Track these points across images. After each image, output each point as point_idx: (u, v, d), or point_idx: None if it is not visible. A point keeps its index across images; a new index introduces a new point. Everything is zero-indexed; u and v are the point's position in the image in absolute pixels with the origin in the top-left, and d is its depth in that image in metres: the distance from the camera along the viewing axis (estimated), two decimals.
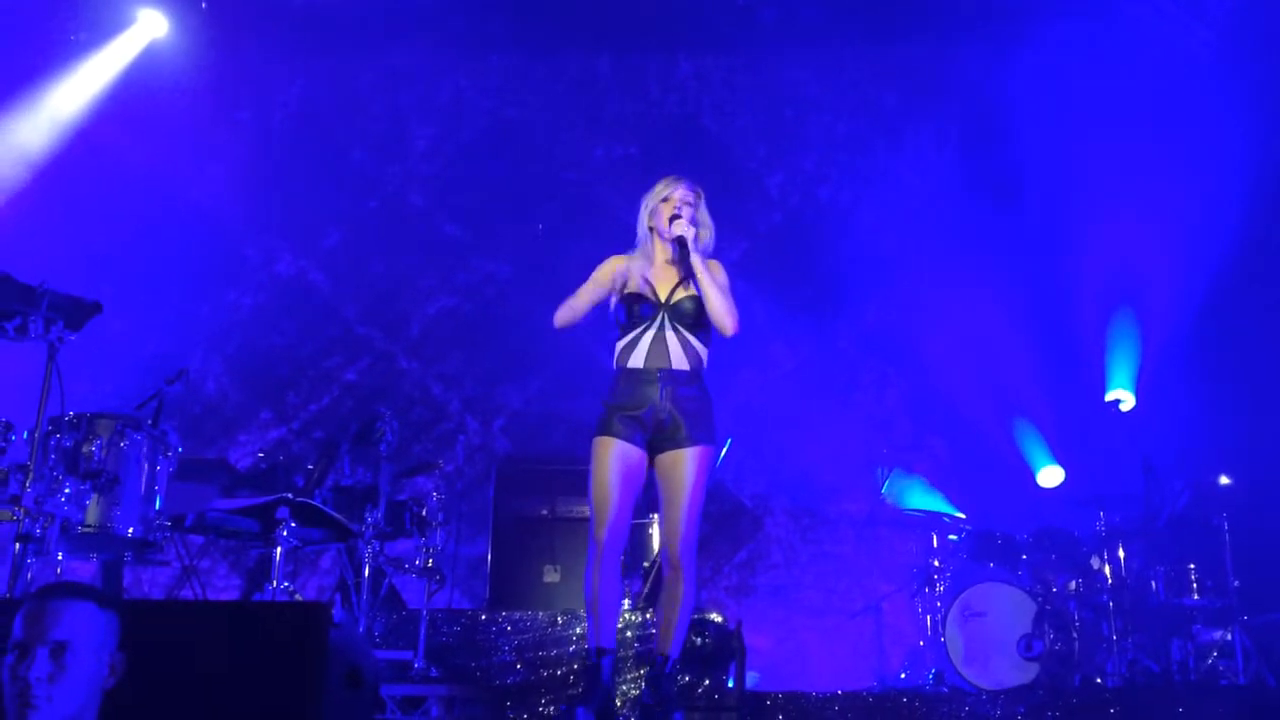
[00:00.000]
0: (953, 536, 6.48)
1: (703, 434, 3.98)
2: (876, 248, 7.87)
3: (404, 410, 7.72)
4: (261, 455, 7.31)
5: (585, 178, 8.48)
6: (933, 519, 6.63)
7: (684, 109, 8.68)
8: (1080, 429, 7.27)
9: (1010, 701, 5.14)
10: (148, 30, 7.96)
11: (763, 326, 7.87)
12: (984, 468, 7.48)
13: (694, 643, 4.97)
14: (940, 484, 7.16)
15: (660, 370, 3.98)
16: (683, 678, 5.00)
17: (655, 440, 3.98)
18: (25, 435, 4.39)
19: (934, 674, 6.03)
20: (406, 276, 8.36)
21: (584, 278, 4.29)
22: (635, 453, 3.96)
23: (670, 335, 4.03)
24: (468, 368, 8.24)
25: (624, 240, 4.41)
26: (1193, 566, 5.90)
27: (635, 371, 4.01)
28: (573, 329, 4.26)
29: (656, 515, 6.37)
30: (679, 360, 4.01)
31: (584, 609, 5.14)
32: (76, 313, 4.55)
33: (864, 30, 8.19)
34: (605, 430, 3.97)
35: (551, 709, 5.46)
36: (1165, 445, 6.54)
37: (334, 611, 3.15)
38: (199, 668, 3.02)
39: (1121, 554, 6.02)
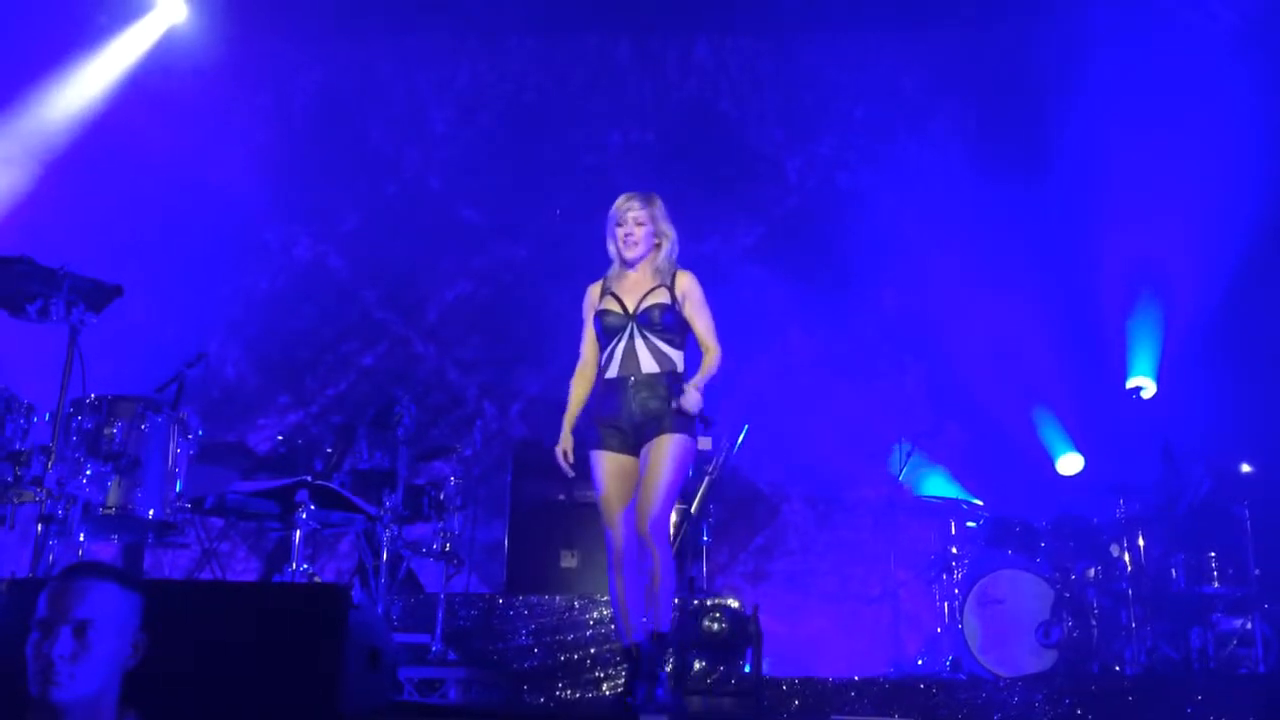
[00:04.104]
0: (971, 523, 6.46)
1: (677, 426, 4.15)
2: (895, 232, 7.82)
3: (422, 395, 7.71)
4: (280, 439, 7.33)
5: (603, 161, 8.46)
6: (951, 505, 6.60)
7: (702, 93, 8.64)
8: (1100, 416, 7.22)
9: (1028, 688, 5.14)
10: (167, 15, 7.97)
11: (779, 311, 7.85)
12: (1003, 454, 7.44)
13: (710, 628, 4.98)
14: (959, 470, 7.14)
15: (631, 377, 4.21)
16: (699, 663, 5.01)
17: (638, 440, 4.20)
18: (47, 417, 4.43)
19: (951, 661, 6.02)
20: (424, 261, 8.36)
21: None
22: (626, 460, 4.22)
23: (639, 343, 4.24)
24: (485, 352, 8.25)
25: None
26: (1213, 554, 5.86)
27: (611, 381, 4.26)
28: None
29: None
30: (648, 364, 4.21)
31: (600, 594, 5.23)
32: (97, 296, 4.58)
33: (885, 16, 8.13)
34: (596, 444, 4.26)
35: (568, 693, 5.48)
36: (1186, 432, 6.48)
37: (353, 593, 3.16)
38: (221, 648, 3.04)
39: (1141, 541, 5.98)
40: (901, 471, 6.77)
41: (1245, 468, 6.09)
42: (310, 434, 7.76)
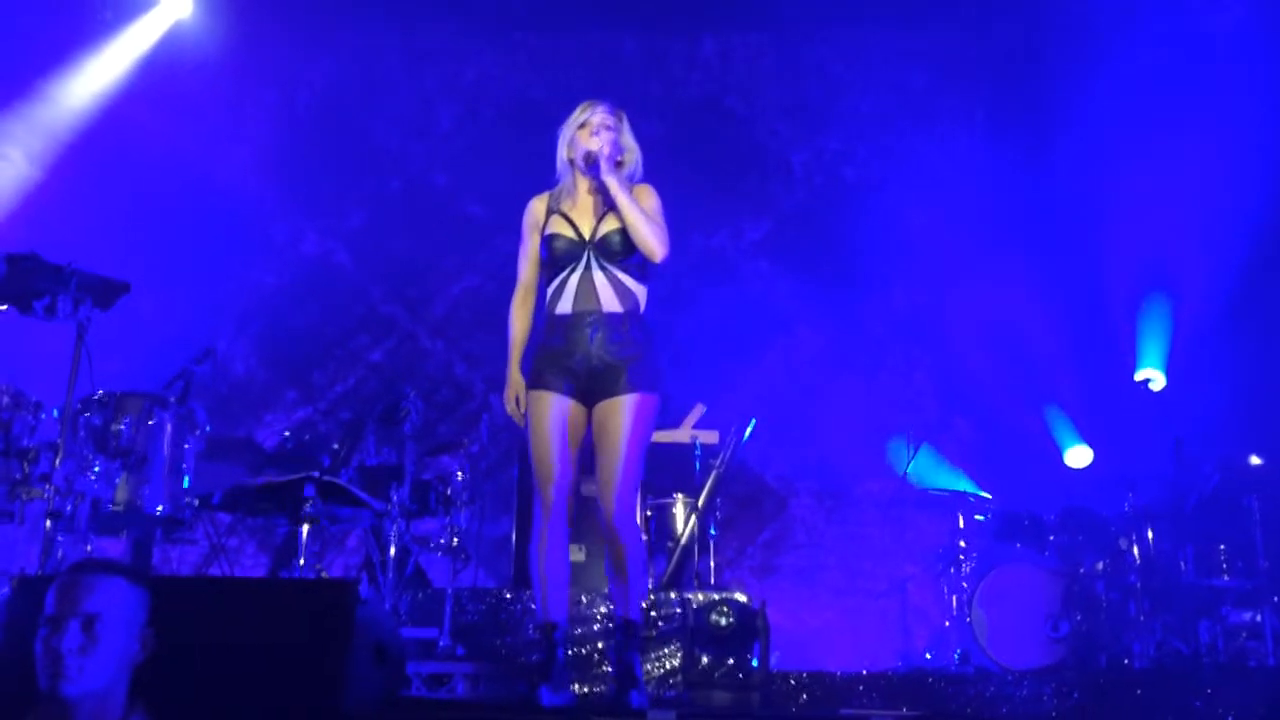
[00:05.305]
0: (979, 517, 6.44)
1: (640, 381, 3.62)
2: (902, 227, 7.79)
3: (429, 390, 7.73)
4: (288, 435, 7.34)
5: None
6: (959, 499, 6.58)
7: (708, 88, 8.63)
8: (1109, 409, 7.20)
9: (1036, 682, 5.12)
10: (172, 10, 7.98)
11: (787, 306, 7.84)
12: (1011, 448, 7.42)
13: (718, 622, 4.97)
14: (967, 464, 7.12)
15: (590, 314, 3.64)
16: (706, 657, 5.00)
17: (591, 390, 3.66)
18: (55, 414, 4.44)
19: (959, 654, 6.01)
20: (431, 256, 8.37)
21: None
22: (573, 405, 3.67)
23: (598, 274, 3.67)
24: (491, 347, 8.23)
25: None
26: (1222, 547, 5.84)
27: (563, 318, 3.68)
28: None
29: (680, 495, 6.41)
30: (610, 302, 3.65)
31: (605, 588, 5.11)
32: (105, 292, 4.59)
33: (890, 9, 8.10)
34: (538, 383, 3.69)
35: (575, 687, 5.47)
36: (1195, 425, 6.45)
37: (360, 588, 3.16)
38: (228, 644, 3.04)
39: (1150, 535, 5.95)
40: (908, 465, 6.76)
41: (1255, 460, 6.06)
42: (318, 430, 7.78)
